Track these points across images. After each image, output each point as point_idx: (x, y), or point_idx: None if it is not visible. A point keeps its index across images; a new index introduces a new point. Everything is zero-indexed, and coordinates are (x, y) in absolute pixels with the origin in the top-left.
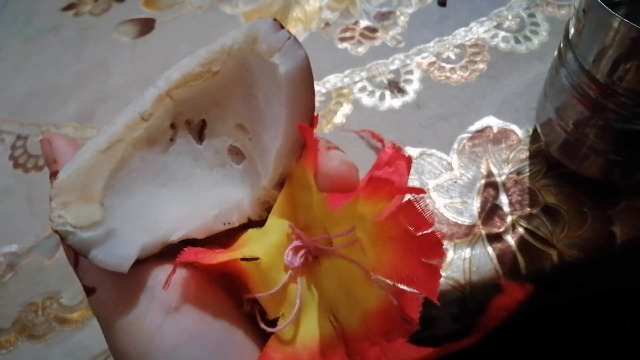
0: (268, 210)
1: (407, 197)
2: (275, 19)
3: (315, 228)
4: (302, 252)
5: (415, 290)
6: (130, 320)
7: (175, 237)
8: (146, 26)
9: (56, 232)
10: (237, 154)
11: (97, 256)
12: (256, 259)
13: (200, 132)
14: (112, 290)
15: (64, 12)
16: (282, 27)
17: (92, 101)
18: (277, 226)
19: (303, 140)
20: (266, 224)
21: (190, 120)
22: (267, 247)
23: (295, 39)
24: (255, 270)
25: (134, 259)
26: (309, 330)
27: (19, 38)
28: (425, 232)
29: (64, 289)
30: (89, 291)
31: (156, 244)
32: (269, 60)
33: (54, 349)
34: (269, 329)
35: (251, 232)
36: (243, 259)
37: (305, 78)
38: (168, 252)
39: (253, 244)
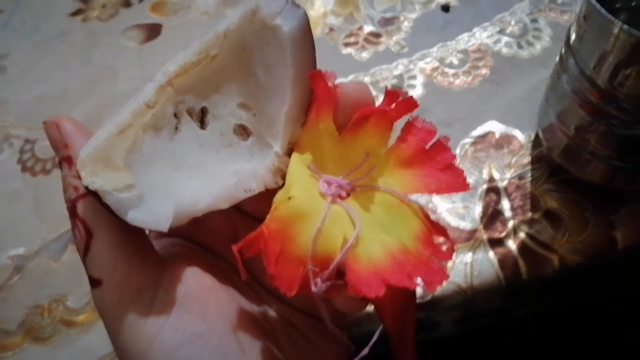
0: (283, 177)
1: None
2: None
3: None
4: (334, 184)
5: (449, 194)
6: (133, 317)
7: (199, 207)
8: (153, 31)
9: (93, 192)
10: (243, 130)
11: (136, 217)
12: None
13: (202, 120)
14: (118, 285)
15: (72, 18)
16: None
17: (100, 106)
18: (300, 176)
19: (310, 94)
20: (287, 181)
21: (191, 110)
22: (299, 189)
23: (294, 1)
24: (294, 211)
25: (171, 219)
26: (370, 246)
27: (27, 43)
28: (433, 141)
29: (70, 291)
30: (95, 283)
31: (184, 214)
32: (271, 24)
33: (59, 351)
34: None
35: (278, 194)
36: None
37: (307, 34)
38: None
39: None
